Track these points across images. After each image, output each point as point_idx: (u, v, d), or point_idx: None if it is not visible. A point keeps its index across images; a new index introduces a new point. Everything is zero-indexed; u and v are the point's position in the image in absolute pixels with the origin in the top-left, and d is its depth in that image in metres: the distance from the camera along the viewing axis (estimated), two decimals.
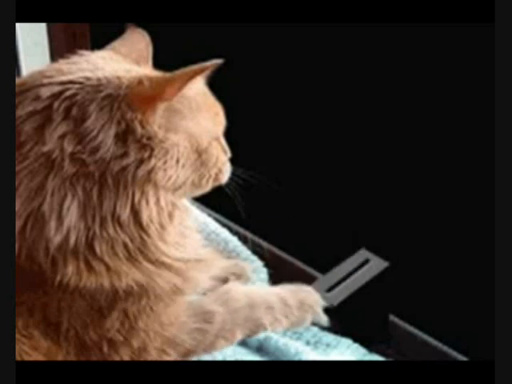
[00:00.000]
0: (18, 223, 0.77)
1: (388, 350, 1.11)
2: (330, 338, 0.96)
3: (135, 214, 0.79)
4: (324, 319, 0.97)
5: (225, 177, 0.89)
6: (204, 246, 0.92)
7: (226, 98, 0.88)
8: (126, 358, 0.84)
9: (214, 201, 0.98)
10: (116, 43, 0.89)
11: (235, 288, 0.94)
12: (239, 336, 0.91)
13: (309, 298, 0.97)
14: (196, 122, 0.82)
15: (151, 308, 0.84)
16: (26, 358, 0.78)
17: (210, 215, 1.17)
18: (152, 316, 0.84)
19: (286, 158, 1.59)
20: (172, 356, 0.87)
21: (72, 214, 0.77)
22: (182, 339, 0.87)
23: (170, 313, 0.86)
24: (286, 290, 0.97)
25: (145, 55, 0.89)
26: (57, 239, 0.77)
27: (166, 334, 0.86)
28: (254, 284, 1.03)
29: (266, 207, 1.56)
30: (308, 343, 0.94)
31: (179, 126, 0.81)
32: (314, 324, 0.97)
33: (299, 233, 1.62)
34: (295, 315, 0.95)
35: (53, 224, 0.76)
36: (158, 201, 0.81)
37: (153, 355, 0.85)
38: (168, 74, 0.80)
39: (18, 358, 0.77)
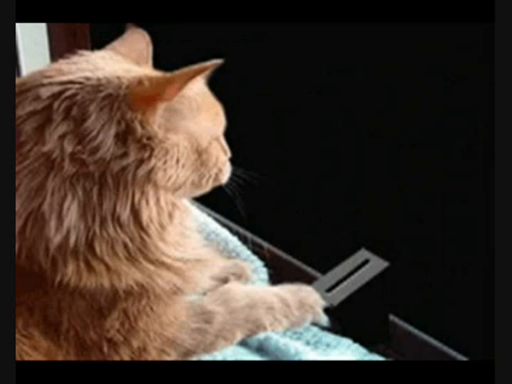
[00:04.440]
0: (18, 223, 0.77)
1: (388, 350, 1.11)
2: (330, 337, 0.96)
3: (135, 214, 0.79)
4: (324, 319, 0.97)
5: (225, 177, 0.89)
6: (204, 245, 0.92)
7: (226, 98, 0.88)
8: (126, 358, 0.83)
9: (213, 201, 0.98)
10: (116, 43, 0.89)
11: (235, 288, 0.94)
12: (239, 336, 0.91)
13: (309, 298, 0.97)
14: (196, 122, 0.82)
15: (151, 308, 0.84)
16: (26, 358, 0.78)
17: (209, 215, 1.17)
18: (152, 316, 0.84)
19: (286, 158, 1.59)
20: (172, 356, 0.87)
21: (72, 214, 0.77)
22: (181, 339, 0.87)
23: (169, 313, 0.86)
24: (286, 290, 0.97)
25: (145, 55, 0.89)
26: (57, 239, 0.77)
27: (166, 334, 0.86)
28: (254, 284, 1.03)
29: (265, 207, 1.56)
30: (308, 343, 0.94)
31: (179, 126, 0.81)
32: (314, 324, 0.97)
33: (299, 233, 1.62)
34: (295, 315, 0.95)
35: (53, 224, 0.76)
36: (158, 201, 0.81)
37: (153, 355, 0.85)
38: (168, 74, 0.80)
39: (18, 358, 0.77)
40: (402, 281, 1.23)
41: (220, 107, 0.87)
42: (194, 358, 0.88)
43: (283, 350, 0.90)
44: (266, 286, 1.03)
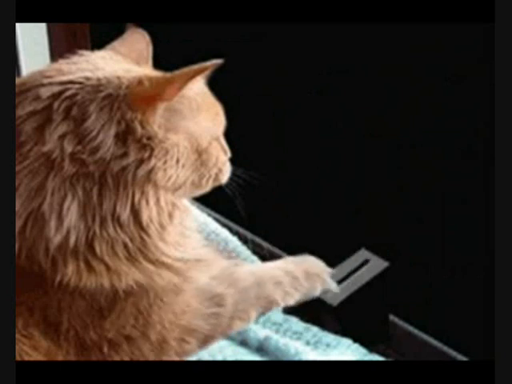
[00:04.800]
0: (18, 223, 0.77)
1: (388, 350, 1.11)
2: (330, 337, 0.96)
3: (135, 214, 0.79)
4: (333, 285, 0.97)
5: (225, 177, 0.89)
6: (204, 245, 0.92)
7: (226, 98, 0.88)
8: (126, 358, 0.83)
9: (213, 201, 0.99)
10: (116, 43, 0.89)
11: (240, 268, 0.94)
12: (254, 315, 0.91)
13: (315, 267, 0.97)
14: (196, 122, 0.82)
15: (161, 300, 0.83)
16: (26, 358, 0.78)
17: (209, 215, 1.17)
18: (164, 307, 0.84)
19: (286, 158, 1.59)
20: (192, 344, 0.86)
21: (72, 214, 0.77)
22: (198, 325, 0.87)
23: (181, 301, 0.86)
24: (290, 263, 0.97)
25: (145, 55, 0.89)
26: (57, 239, 0.77)
27: (182, 323, 0.86)
28: None
29: (265, 207, 1.56)
30: (308, 343, 0.94)
31: (179, 126, 0.81)
32: (315, 324, 0.97)
33: (299, 233, 1.62)
34: (304, 286, 0.95)
35: (53, 224, 0.76)
36: (158, 201, 0.81)
37: (173, 346, 0.85)
38: (168, 74, 0.80)
39: (18, 358, 0.77)
40: (402, 281, 1.23)
41: (220, 107, 0.87)
42: (195, 358, 0.88)
43: (283, 350, 0.90)
44: (270, 262, 1.02)
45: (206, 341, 0.88)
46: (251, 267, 0.97)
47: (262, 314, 0.92)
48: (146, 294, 0.82)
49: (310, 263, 0.98)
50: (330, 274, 0.98)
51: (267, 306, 0.92)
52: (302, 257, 0.99)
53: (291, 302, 0.94)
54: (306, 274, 0.96)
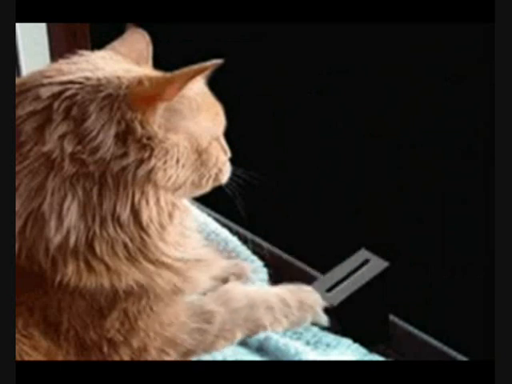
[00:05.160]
0: (18, 223, 0.77)
1: (388, 350, 1.11)
2: (330, 337, 0.96)
3: (135, 214, 0.79)
4: (324, 319, 0.97)
5: (225, 177, 0.89)
6: (204, 245, 0.92)
7: (226, 98, 0.88)
8: (126, 358, 0.84)
9: (213, 201, 0.99)
10: (116, 43, 0.89)
11: (235, 288, 0.94)
12: (239, 336, 0.91)
13: (309, 298, 0.97)
14: (196, 122, 0.82)
15: (151, 308, 0.84)
16: (26, 358, 0.78)
17: (209, 215, 1.17)
18: (152, 316, 0.84)
19: (286, 158, 1.59)
20: (172, 356, 0.87)
21: (72, 214, 0.77)
22: (182, 339, 0.87)
23: (170, 313, 0.86)
24: (285, 290, 0.97)
25: (145, 55, 0.89)
26: (57, 239, 0.77)
27: (166, 334, 0.86)
28: (254, 284, 1.03)
29: (265, 207, 1.56)
30: (308, 343, 0.94)
31: (179, 126, 0.81)
32: (314, 324, 0.97)
33: (299, 233, 1.62)
34: (295, 315, 0.95)
35: (53, 224, 0.76)
36: (158, 201, 0.81)
37: (153, 355, 0.85)
38: (168, 74, 0.80)
39: (18, 358, 0.77)
40: (402, 281, 1.23)
41: (220, 107, 0.87)
42: (194, 358, 0.88)
43: (283, 350, 0.90)
44: (266, 286, 1.03)
45: (186, 354, 0.88)
46: (247, 288, 0.97)
47: (248, 336, 0.92)
48: (138, 299, 0.82)
49: (306, 294, 0.98)
50: (323, 306, 0.98)
51: (254, 329, 0.92)
52: (298, 286, 0.99)
53: (279, 329, 0.94)
54: (299, 303, 0.96)
